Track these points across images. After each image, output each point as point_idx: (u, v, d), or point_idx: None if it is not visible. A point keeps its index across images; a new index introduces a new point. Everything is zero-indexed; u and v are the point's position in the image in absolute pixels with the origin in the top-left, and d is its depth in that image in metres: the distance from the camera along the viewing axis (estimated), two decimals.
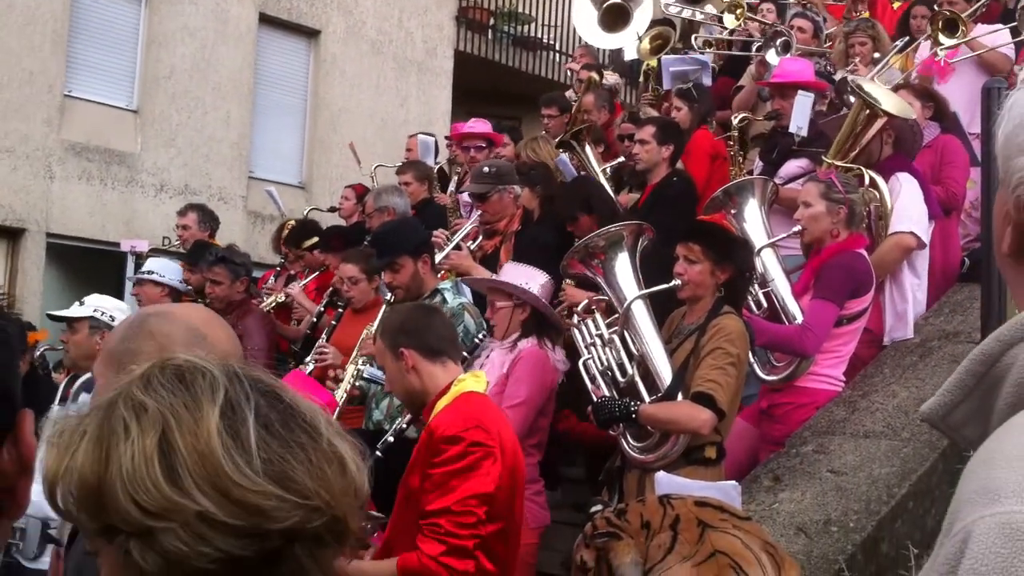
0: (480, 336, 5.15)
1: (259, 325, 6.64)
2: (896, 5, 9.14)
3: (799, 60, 7.05)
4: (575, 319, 4.89)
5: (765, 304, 5.15)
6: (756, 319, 4.95)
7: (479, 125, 8.40)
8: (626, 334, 4.67)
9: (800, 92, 6.17)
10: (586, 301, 4.92)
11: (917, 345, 5.18)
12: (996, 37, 7.36)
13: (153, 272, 7.15)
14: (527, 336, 4.97)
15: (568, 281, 5.52)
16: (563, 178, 7.16)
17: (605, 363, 4.68)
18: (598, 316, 4.79)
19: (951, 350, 5.00)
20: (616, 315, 4.77)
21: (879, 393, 4.86)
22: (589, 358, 4.72)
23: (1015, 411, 1.09)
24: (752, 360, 4.92)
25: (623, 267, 4.83)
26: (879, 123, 5.54)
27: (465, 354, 4.81)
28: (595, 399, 4.57)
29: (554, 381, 5.03)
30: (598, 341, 4.72)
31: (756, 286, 5.14)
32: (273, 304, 7.40)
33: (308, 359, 6.16)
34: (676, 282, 4.57)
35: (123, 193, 12.28)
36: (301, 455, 1.08)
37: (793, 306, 5.09)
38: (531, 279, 5.08)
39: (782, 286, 5.17)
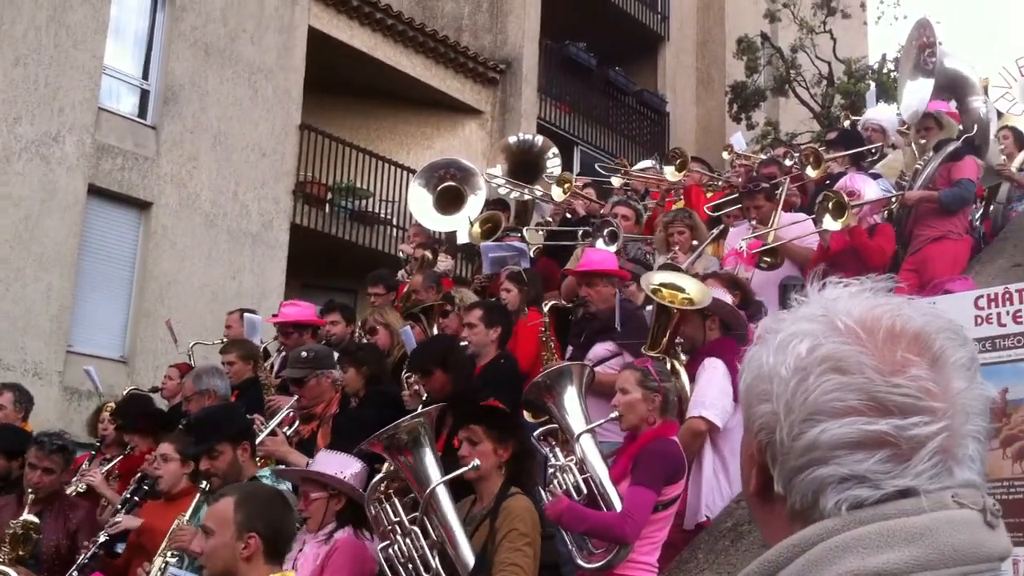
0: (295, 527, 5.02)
1: (90, 519, 6.35)
2: (709, 195, 9.69)
3: (603, 251, 7.43)
4: (368, 506, 4.84)
5: (585, 490, 5.17)
6: (576, 505, 4.97)
7: (294, 311, 8.27)
8: (427, 521, 4.68)
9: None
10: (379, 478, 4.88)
11: (729, 529, 5.28)
12: (799, 227, 7.77)
13: None
14: (343, 526, 4.89)
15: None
16: (403, 350, 7.22)
17: (407, 554, 4.65)
18: (396, 501, 4.78)
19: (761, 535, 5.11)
20: (412, 495, 4.79)
21: None
22: (388, 545, 4.68)
23: None
24: (571, 547, 4.94)
25: (426, 455, 4.87)
26: (675, 314, 5.83)
27: None
28: None
29: (372, 571, 4.91)
30: (398, 529, 4.69)
31: (576, 472, 5.18)
32: (74, 493, 7.01)
33: (118, 547, 5.88)
34: (476, 462, 4.63)
35: None
36: None
37: (612, 492, 5.12)
38: (346, 467, 5.02)
39: (601, 472, 5.21)
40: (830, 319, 1.18)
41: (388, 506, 4.76)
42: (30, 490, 6.27)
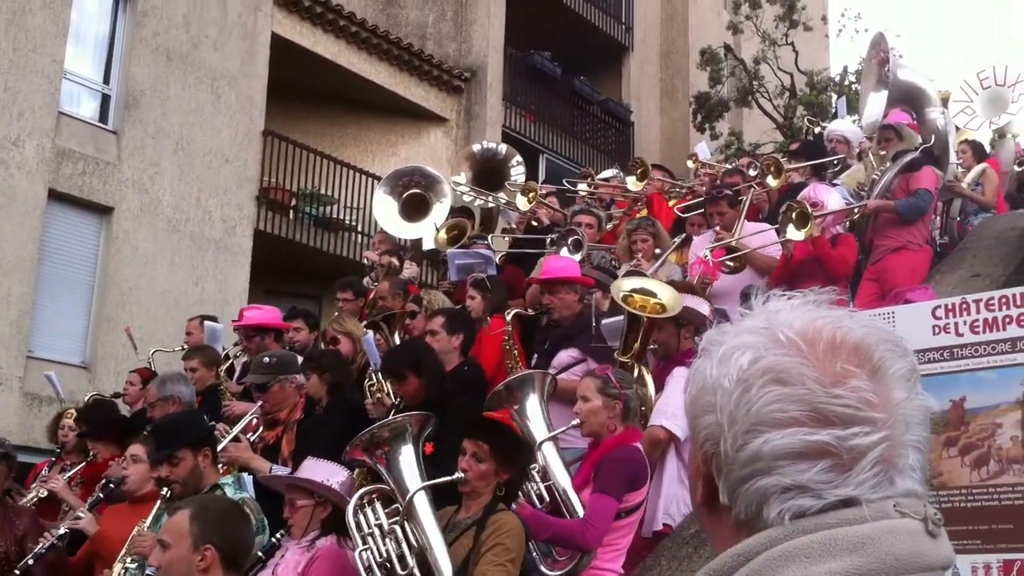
0: (278, 536, 4.99)
1: (35, 525, 6.24)
2: (672, 203, 9.74)
3: (564, 258, 7.43)
4: (350, 511, 4.80)
5: (547, 498, 5.19)
6: (539, 513, 4.98)
7: (257, 314, 8.22)
8: (407, 526, 4.64)
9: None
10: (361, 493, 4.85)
11: (692, 536, 5.30)
12: (763, 237, 7.85)
13: None
14: (327, 534, 4.86)
15: None
16: (366, 357, 7.21)
17: (384, 555, 4.62)
18: (378, 506, 4.75)
19: None
20: (395, 505, 4.73)
21: None
22: (365, 549, 4.63)
23: None
24: (534, 554, 4.94)
25: (407, 458, 4.84)
26: (644, 321, 5.86)
27: (261, 554, 4.75)
28: None
29: None
30: (376, 531, 4.65)
31: (538, 480, 5.20)
32: (35, 499, 6.93)
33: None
34: (459, 475, 4.60)
35: None
36: None
37: (575, 500, 5.14)
38: (332, 475, 4.99)
39: (563, 480, 5.23)
40: (772, 331, 1.20)
41: (369, 510, 4.73)
42: None
